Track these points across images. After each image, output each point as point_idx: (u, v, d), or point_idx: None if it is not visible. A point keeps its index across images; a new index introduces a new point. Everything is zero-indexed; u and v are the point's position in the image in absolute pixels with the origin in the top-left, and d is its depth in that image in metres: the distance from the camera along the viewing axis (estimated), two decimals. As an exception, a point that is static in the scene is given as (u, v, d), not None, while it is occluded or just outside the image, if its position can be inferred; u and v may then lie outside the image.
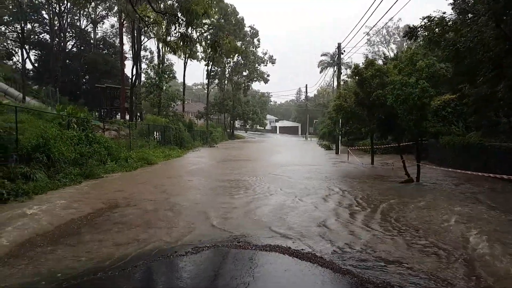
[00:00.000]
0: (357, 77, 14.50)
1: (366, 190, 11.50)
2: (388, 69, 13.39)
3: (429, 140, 18.81)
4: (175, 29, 7.24)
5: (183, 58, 47.55)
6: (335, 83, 56.89)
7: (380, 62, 25.96)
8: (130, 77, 36.04)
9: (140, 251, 5.53)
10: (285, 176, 14.53)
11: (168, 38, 7.93)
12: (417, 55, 12.99)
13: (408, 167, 13.65)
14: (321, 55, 64.73)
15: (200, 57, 52.89)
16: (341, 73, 29.99)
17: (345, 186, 12.21)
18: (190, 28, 7.26)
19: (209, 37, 36.03)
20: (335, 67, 58.65)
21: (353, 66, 15.55)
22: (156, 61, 39.38)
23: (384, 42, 71.96)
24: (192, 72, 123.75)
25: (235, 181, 12.89)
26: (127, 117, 32.89)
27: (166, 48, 7.63)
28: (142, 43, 38.45)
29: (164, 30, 7.12)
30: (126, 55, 45.61)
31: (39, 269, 4.87)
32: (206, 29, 43.21)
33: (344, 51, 28.13)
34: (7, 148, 11.22)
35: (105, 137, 17.51)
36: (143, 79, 37.97)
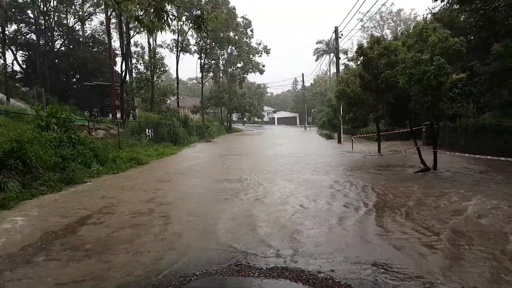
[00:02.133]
0: (361, 58, 13.14)
1: (381, 183, 10.23)
2: (397, 46, 12.01)
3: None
4: (149, 4, 5.93)
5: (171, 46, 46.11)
6: (332, 71, 55.97)
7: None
8: (121, 73, 34.72)
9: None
10: (288, 171, 13.25)
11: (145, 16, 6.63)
12: (427, 30, 11.65)
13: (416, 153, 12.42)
14: (316, 43, 63.37)
15: (193, 50, 51.54)
16: (339, 58, 28.54)
17: (358, 180, 10.90)
18: (166, 2, 5.96)
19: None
20: (331, 54, 57.79)
21: (356, 46, 14.16)
22: (147, 56, 37.83)
23: (378, 27, 70.66)
24: (186, 67, 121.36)
25: (234, 181, 11.51)
26: (119, 115, 31.55)
27: (140, 26, 6.32)
28: (131, 37, 37.00)
29: (135, 6, 5.82)
30: (117, 52, 44.22)
31: None
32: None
33: (341, 35, 26.71)
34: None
35: (90, 137, 16.19)
36: (134, 75, 36.57)
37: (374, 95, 13.61)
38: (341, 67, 30.07)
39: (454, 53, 10.89)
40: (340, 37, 27.46)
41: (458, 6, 11.47)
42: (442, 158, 13.68)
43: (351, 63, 23.37)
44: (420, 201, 7.88)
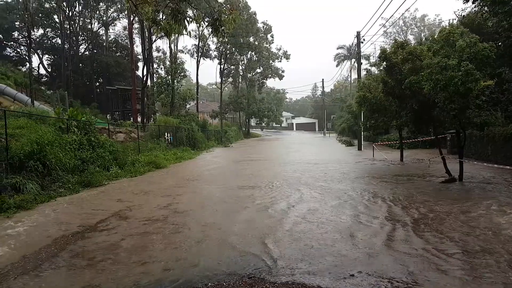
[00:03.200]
0: (384, 63, 12.78)
1: (406, 193, 9.81)
2: (422, 51, 11.61)
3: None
4: (166, 6, 5.83)
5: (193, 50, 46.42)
6: (353, 76, 55.34)
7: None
8: (142, 78, 35.25)
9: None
10: (309, 179, 12.92)
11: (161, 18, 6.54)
12: (454, 34, 11.19)
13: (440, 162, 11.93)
14: (337, 48, 63.02)
15: (213, 55, 51.93)
16: (361, 63, 28.07)
17: (381, 190, 10.51)
18: (183, 2, 5.84)
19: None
20: (352, 60, 57.16)
21: (379, 51, 13.80)
22: (168, 61, 38.30)
23: (401, 32, 69.47)
24: (206, 72, 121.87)
25: (252, 189, 11.25)
26: (140, 119, 31.98)
27: (157, 28, 6.22)
28: (153, 42, 37.50)
29: (153, 7, 5.71)
30: (139, 57, 44.91)
31: None
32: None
33: (364, 39, 26.26)
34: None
35: (110, 140, 16.31)
36: (155, 79, 37.03)
37: (397, 101, 13.22)
38: (363, 73, 29.63)
39: (483, 58, 10.42)
40: (362, 42, 27.03)
41: (488, 8, 10.97)
42: (468, 168, 13.12)
43: (373, 69, 22.92)
44: (446, 213, 7.48)
